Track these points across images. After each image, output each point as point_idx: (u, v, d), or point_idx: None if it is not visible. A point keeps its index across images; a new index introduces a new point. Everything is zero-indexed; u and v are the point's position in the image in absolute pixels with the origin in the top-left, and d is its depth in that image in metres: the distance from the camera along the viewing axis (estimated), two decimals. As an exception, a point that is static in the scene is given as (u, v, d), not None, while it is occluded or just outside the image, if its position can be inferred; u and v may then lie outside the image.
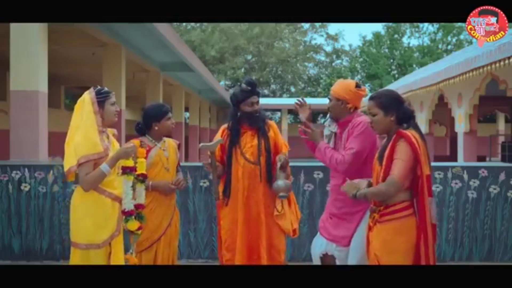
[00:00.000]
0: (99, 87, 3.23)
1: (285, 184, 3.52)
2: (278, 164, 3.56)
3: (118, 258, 3.13)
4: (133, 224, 3.20)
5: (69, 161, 3.05)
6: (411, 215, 2.83)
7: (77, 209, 3.08)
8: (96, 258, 3.03)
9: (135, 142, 3.64)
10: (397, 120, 2.92)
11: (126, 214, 3.17)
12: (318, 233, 3.50)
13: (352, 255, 3.28)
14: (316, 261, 3.49)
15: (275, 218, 3.65)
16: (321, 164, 3.62)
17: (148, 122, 3.74)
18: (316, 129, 3.41)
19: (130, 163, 3.17)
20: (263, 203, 3.66)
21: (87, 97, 3.13)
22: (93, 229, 3.03)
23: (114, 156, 3.09)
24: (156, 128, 3.73)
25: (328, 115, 3.56)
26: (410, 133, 2.84)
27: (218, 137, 3.75)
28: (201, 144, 3.65)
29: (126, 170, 3.15)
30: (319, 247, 3.45)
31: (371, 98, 3.02)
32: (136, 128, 3.82)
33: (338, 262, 3.36)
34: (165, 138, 3.85)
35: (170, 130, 3.81)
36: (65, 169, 3.07)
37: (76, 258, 3.04)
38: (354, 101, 3.38)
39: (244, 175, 3.66)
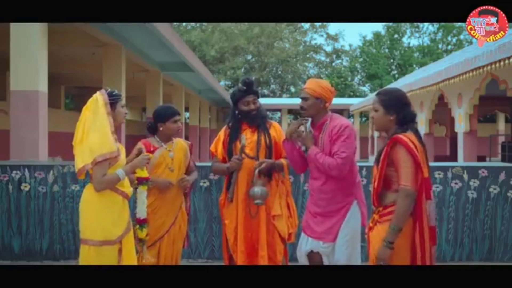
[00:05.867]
0: (109, 89, 3.28)
1: (261, 191, 3.52)
2: (256, 171, 3.57)
3: (131, 255, 3.21)
4: (144, 232, 3.51)
5: (83, 159, 3.07)
6: (409, 216, 2.82)
7: (92, 206, 3.10)
8: (109, 255, 3.06)
9: (141, 145, 3.74)
10: (397, 121, 2.91)
11: (141, 222, 3.50)
12: (303, 233, 3.54)
13: (340, 251, 3.33)
14: (302, 259, 3.52)
15: (271, 218, 3.66)
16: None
17: (155, 123, 3.80)
18: (308, 133, 3.46)
19: (144, 173, 3.48)
20: None
21: (100, 98, 3.15)
22: (109, 226, 3.08)
23: (131, 165, 3.28)
24: (161, 129, 3.78)
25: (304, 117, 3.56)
26: (406, 136, 2.82)
27: (220, 136, 3.83)
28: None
29: (142, 181, 3.47)
30: (305, 246, 3.49)
31: (377, 94, 3.04)
32: (147, 127, 3.89)
33: (324, 258, 3.40)
34: (175, 139, 3.88)
35: (174, 133, 3.83)
36: (79, 166, 3.08)
37: (90, 256, 3.04)
38: (330, 99, 3.47)
39: (244, 170, 3.66)
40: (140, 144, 3.74)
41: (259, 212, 3.65)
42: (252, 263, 3.66)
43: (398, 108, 2.91)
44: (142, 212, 3.51)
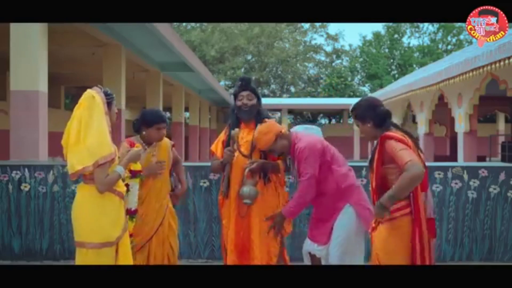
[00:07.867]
0: (102, 88, 3.17)
1: (249, 190, 3.53)
2: (246, 170, 3.57)
3: (127, 255, 3.15)
4: (134, 223, 3.47)
5: (82, 161, 2.95)
6: (407, 214, 2.85)
7: (89, 208, 3.00)
8: (108, 256, 2.99)
9: (137, 145, 3.67)
10: (375, 125, 3.01)
11: (131, 213, 3.43)
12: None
13: (332, 252, 3.39)
14: (304, 258, 3.64)
15: (265, 218, 3.64)
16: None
17: (139, 125, 3.76)
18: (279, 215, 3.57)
19: (138, 166, 3.45)
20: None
21: (98, 97, 3.04)
22: (108, 227, 3.00)
23: (126, 159, 3.24)
24: (144, 133, 3.74)
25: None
26: (392, 132, 2.91)
27: (221, 136, 3.85)
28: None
29: (135, 174, 3.44)
30: (305, 246, 3.63)
31: (351, 110, 3.16)
32: (132, 124, 3.84)
33: (322, 261, 3.48)
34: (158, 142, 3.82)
35: (156, 141, 3.77)
36: (77, 168, 2.95)
37: (88, 259, 2.95)
38: (280, 129, 3.55)
39: (236, 168, 3.67)
40: (126, 147, 3.64)
41: (251, 214, 3.64)
42: (243, 262, 3.64)
43: (371, 114, 3.02)
44: (133, 203, 3.44)
